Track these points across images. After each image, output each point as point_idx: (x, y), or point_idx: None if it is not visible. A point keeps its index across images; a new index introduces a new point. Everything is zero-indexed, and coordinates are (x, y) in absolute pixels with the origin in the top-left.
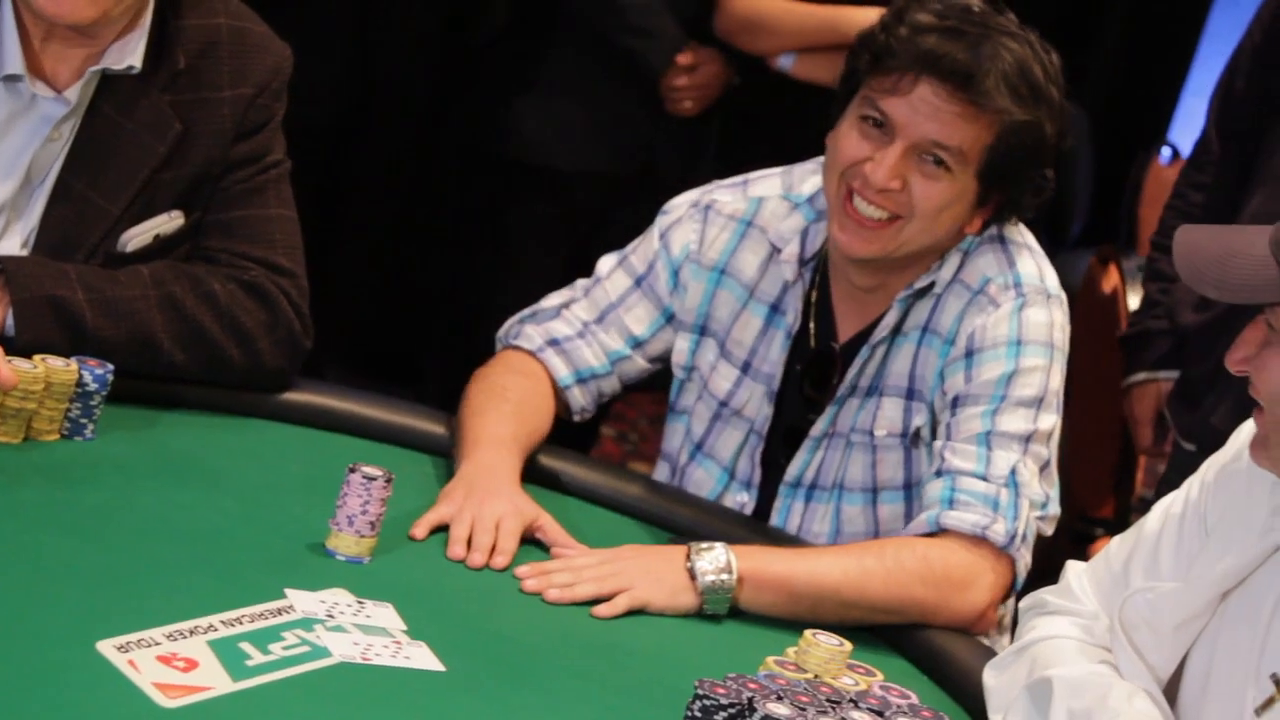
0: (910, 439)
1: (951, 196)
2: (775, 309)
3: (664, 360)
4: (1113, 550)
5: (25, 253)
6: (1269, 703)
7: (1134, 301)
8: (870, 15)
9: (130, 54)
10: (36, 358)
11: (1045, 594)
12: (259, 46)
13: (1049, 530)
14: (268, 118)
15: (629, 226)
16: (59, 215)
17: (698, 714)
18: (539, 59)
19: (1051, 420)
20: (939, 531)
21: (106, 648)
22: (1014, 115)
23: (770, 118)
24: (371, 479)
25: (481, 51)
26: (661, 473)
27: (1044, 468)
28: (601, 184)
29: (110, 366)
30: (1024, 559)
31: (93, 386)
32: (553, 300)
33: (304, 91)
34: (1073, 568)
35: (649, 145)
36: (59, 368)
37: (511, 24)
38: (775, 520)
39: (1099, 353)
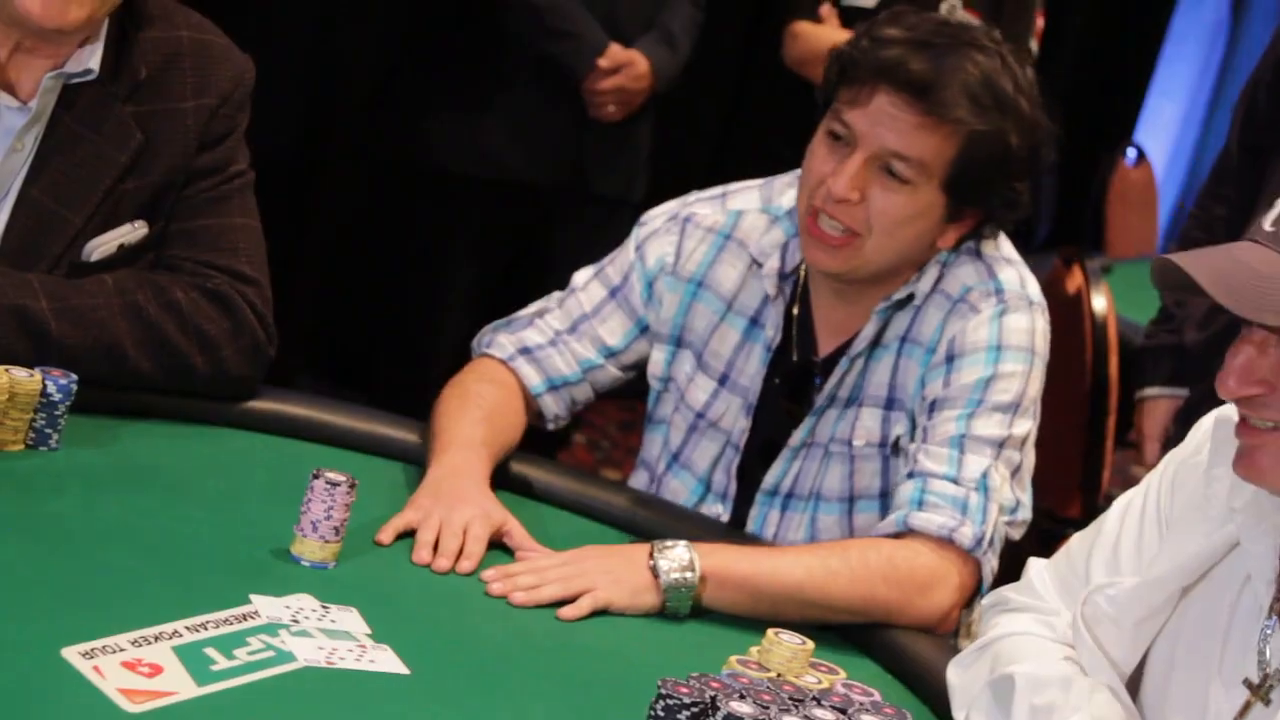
0: (890, 448)
1: (913, 211)
2: (754, 322)
3: (638, 369)
4: (1074, 546)
5: None
6: (1246, 708)
7: (1099, 302)
8: None
9: (88, 60)
10: (0, 368)
11: (1007, 591)
12: (221, 58)
13: (1017, 535)
14: (231, 128)
15: (565, 235)
16: (22, 226)
17: (661, 713)
18: (464, 66)
19: (1027, 426)
20: (906, 532)
21: (71, 654)
22: (974, 126)
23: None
24: (335, 485)
25: (407, 61)
26: (640, 480)
27: (1016, 473)
28: (530, 193)
29: (74, 376)
30: (990, 563)
31: (57, 396)
32: (527, 309)
33: (266, 101)
34: (1034, 565)
35: (577, 153)
36: (22, 378)
37: (437, 31)
38: (751, 529)
39: (1064, 353)
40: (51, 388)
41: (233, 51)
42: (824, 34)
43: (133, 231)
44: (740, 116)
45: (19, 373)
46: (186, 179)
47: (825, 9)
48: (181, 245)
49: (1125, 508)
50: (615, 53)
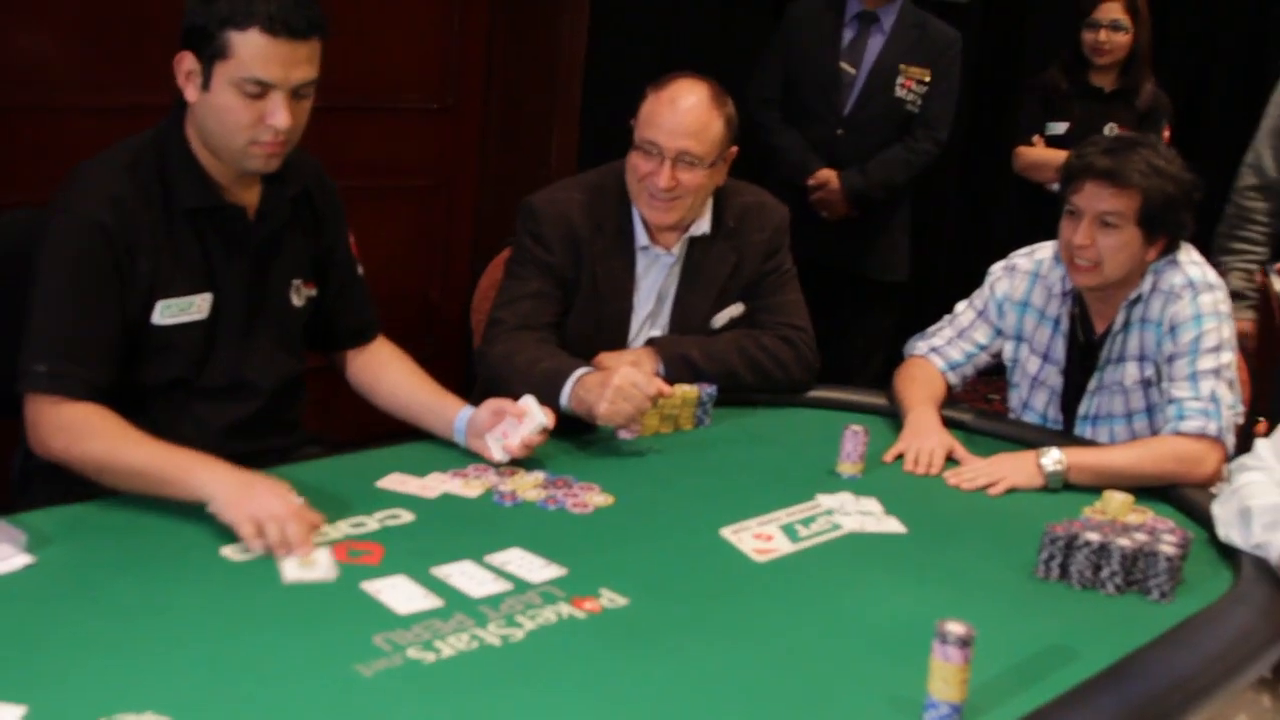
0: (1146, 383)
1: (1122, 242)
2: (1056, 322)
3: (998, 355)
4: None
5: (664, 333)
6: None
7: None
8: None
9: (702, 225)
10: (677, 386)
11: (1244, 459)
12: (770, 210)
13: (1240, 422)
14: (780, 246)
15: None
16: (678, 313)
17: (1049, 542)
18: None
19: (1229, 356)
20: (1178, 435)
21: (725, 532)
22: (1144, 186)
23: None
24: (857, 432)
25: None
26: None
27: (1230, 385)
28: None
29: (714, 387)
30: (1229, 441)
31: (705, 398)
32: (932, 328)
33: None
34: (1259, 443)
35: None
36: (689, 389)
37: None
38: None
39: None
40: (703, 394)
41: (774, 204)
42: (1035, 153)
43: (738, 309)
44: None
45: (686, 387)
46: (761, 276)
47: (1036, 139)
48: (763, 313)
49: None
50: None
